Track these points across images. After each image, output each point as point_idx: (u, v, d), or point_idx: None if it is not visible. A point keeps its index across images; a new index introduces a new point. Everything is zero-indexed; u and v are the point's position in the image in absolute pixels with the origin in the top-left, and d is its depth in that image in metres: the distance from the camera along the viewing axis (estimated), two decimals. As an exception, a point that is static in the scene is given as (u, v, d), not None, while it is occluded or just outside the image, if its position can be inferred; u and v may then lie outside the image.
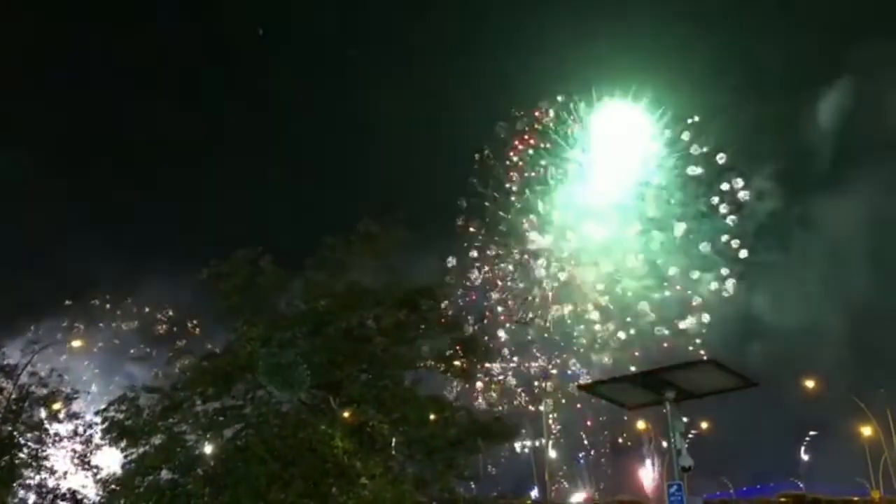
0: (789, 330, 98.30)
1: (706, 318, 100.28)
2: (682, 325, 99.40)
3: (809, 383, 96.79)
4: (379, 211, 21.91)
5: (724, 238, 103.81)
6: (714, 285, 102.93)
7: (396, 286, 20.74)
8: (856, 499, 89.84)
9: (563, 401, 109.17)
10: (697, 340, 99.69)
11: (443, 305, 21.40)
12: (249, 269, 21.28)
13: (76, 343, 71.02)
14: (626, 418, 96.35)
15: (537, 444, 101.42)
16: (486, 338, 21.74)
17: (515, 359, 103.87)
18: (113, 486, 21.69)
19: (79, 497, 29.43)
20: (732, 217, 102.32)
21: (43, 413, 30.64)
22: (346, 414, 20.32)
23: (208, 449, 20.68)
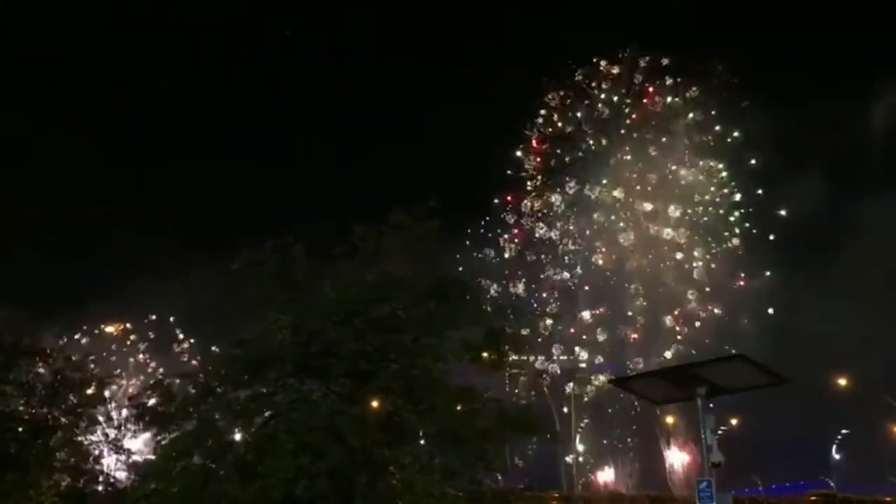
0: (829, 330, 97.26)
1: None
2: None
3: (842, 381, 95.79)
4: (412, 203, 21.88)
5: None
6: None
7: (427, 277, 20.77)
8: (888, 499, 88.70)
9: (589, 394, 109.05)
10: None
11: (474, 296, 21.35)
12: (280, 258, 21.42)
13: (109, 328, 72.04)
14: (658, 412, 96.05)
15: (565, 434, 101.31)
16: (519, 329, 21.69)
17: (554, 349, 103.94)
18: (145, 470, 22.02)
19: (112, 480, 29.95)
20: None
21: (77, 398, 31.18)
22: (374, 403, 20.42)
23: (239, 436, 20.89)
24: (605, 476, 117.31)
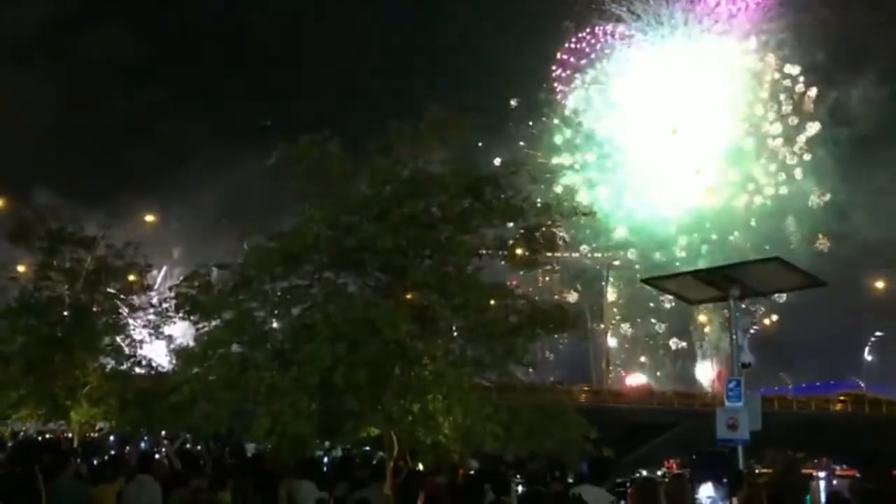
0: (874, 235, 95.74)
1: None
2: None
3: (879, 284, 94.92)
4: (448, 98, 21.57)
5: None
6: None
7: (462, 174, 20.67)
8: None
9: (619, 290, 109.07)
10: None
11: (509, 194, 21.27)
12: (317, 152, 21.39)
13: (149, 217, 73.12)
14: (694, 310, 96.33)
15: (598, 328, 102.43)
16: (552, 224, 21.66)
17: (583, 248, 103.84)
18: (186, 356, 22.68)
19: (154, 364, 30.98)
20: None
21: (119, 284, 31.96)
22: (408, 296, 20.69)
23: (276, 325, 21.35)
24: (636, 373, 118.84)
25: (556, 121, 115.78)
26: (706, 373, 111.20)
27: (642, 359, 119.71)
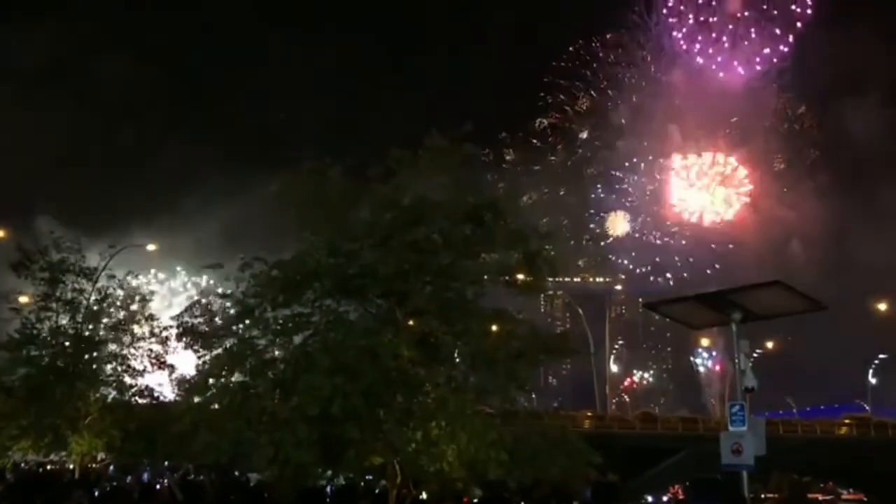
0: (877, 256, 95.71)
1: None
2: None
3: (882, 307, 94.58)
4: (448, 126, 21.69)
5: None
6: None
7: (463, 200, 20.71)
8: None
9: (625, 312, 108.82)
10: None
11: (508, 220, 21.30)
12: (318, 180, 21.46)
13: (151, 247, 73.09)
14: (694, 334, 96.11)
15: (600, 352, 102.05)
16: (549, 248, 21.67)
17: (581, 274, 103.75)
18: (187, 386, 22.60)
19: (155, 394, 30.85)
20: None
21: (122, 314, 31.89)
22: (410, 323, 20.65)
23: (278, 353, 21.29)
24: (639, 395, 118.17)
25: (559, 146, 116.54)
26: (710, 397, 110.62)
27: (646, 381, 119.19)
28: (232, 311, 21.19)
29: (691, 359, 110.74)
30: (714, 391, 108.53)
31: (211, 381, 20.03)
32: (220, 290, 22.20)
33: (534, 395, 23.34)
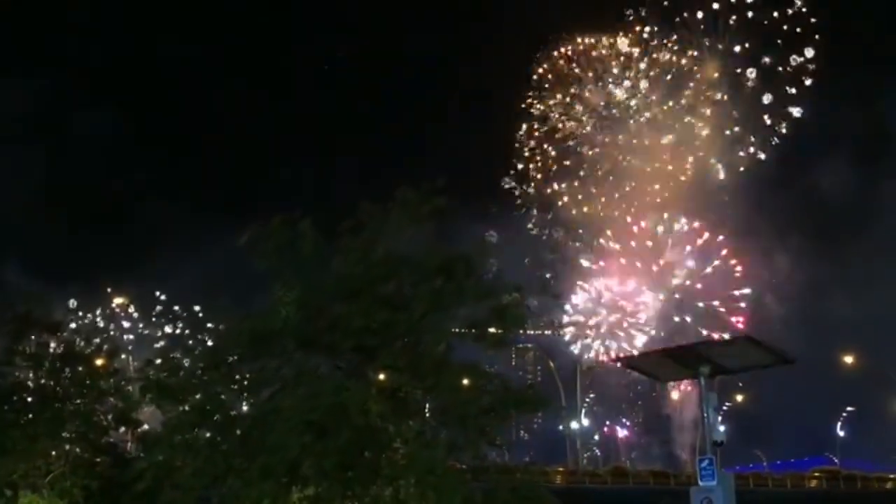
0: (845, 310, 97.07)
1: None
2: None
3: (848, 359, 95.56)
4: (419, 179, 21.79)
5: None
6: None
7: (433, 254, 20.72)
8: (892, 476, 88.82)
9: (594, 370, 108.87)
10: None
11: (480, 272, 21.33)
12: (288, 233, 21.38)
13: (118, 300, 72.25)
14: (667, 387, 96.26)
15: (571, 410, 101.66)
16: (524, 304, 21.71)
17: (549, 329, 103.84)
18: (151, 442, 22.16)
19: (119, 450, 30.24)
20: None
21: (85, 369, 31.41)
22: (380, 377, 20.49)
23: (245, 408, 21.00)
24: (610, 450, 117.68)
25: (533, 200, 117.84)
26: (682, 450, 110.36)
27: (615, 436, 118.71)
28: (198, 365, 20.89)
29: (663, 411, 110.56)
30: (685, 442, 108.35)
31: (175, 436, 19.65)
32: (189, 343, 21.90)
33: (505, 451, 23.12)
